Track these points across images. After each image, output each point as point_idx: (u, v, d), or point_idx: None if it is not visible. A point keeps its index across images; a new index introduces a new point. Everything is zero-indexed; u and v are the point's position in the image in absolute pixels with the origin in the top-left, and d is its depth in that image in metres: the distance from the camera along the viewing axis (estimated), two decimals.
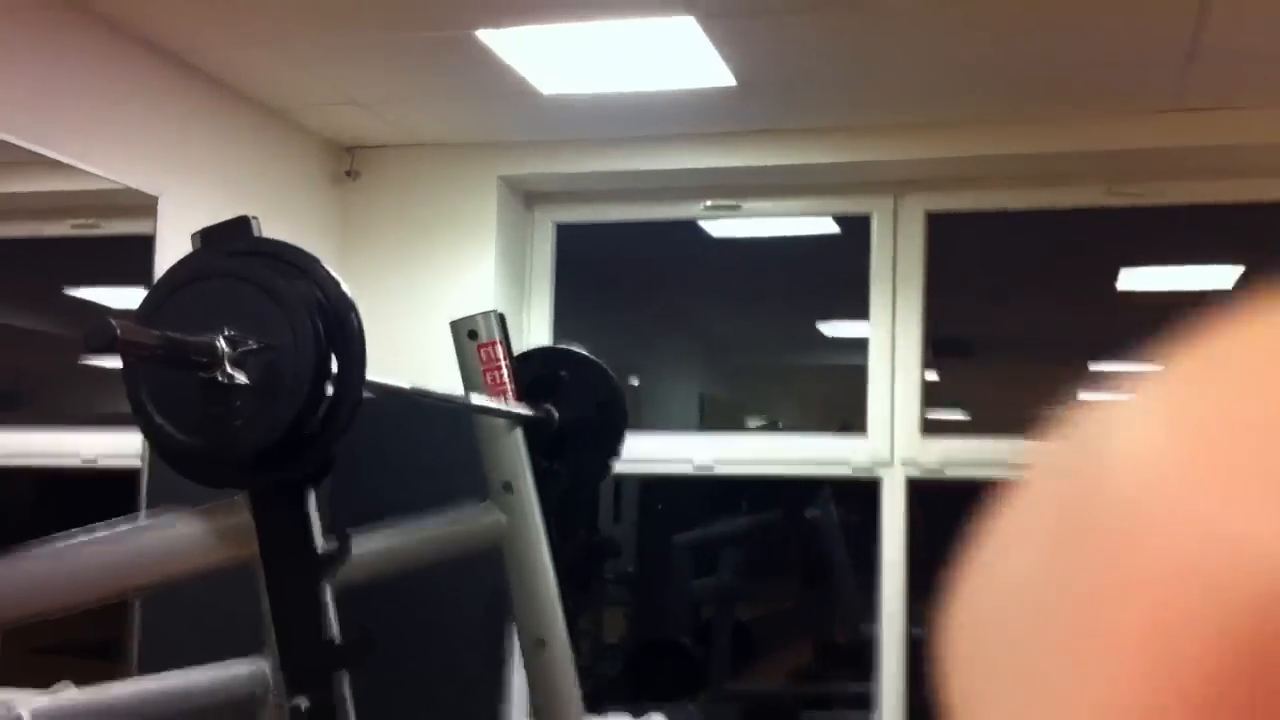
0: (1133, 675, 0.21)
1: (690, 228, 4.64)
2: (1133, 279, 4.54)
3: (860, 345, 4.34)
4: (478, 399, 2.54)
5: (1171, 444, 0.23)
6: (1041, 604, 0.24)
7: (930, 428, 4.23)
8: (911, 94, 3.84)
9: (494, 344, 2.61)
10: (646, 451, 4.31)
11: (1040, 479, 0.25)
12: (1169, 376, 0.24)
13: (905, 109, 3.97)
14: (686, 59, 3.60)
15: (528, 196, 4.64)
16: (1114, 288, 4.50)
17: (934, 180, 4.27)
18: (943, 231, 4.31)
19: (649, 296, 5.18)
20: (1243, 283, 4.32)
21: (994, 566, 0.25)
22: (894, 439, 4.24)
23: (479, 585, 3.19)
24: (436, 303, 4.19)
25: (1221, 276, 4.33)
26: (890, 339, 4.29)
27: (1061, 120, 3.96)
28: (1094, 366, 4.96)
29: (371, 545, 2.08)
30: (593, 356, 2.87)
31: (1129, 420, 0.24)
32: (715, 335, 5.32)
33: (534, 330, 4.59)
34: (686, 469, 4.42)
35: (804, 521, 5.36)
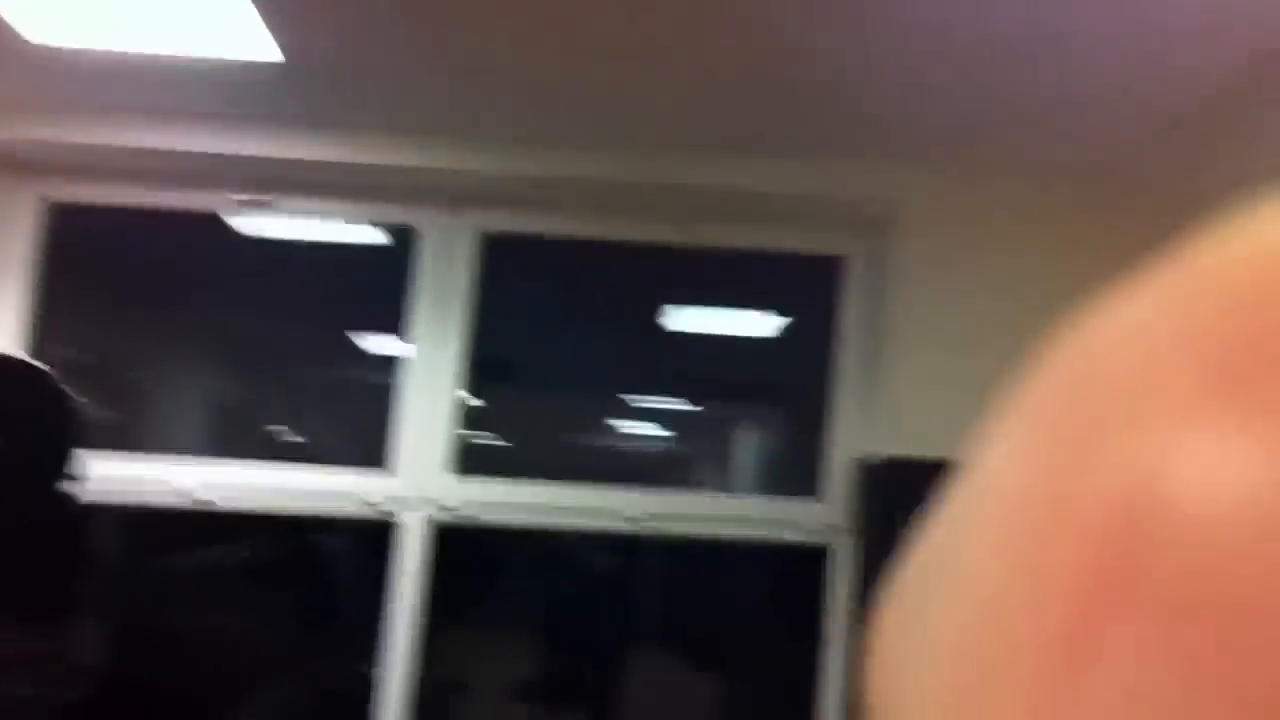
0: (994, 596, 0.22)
1: (216, 221, 4.11)
2: (678, 318, 4.51)
3: (396, 363, 4.00)
4: None
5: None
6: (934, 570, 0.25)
7: (465, 464, 3.94)
8: (478, 105, 3.53)
9: None
10: (136, 477, 3.79)
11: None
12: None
13: (468, 119, 3.65)
14: (225, 23, 3.08)
15: (12, 166, 3.89)
16: (659, 324, 4.45)
17: (491, 197, 3.98)
18: (496, 250, 4.05)
19: (162, 293, 4.59)
20: (787, 333, 4.36)
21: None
22: (420, 478, 3.92)
23: None
24: None
25: (764, 324, 4.36)
26: (429, 361, 3.97)
27: (627, 149, 3.80)
28: (633, 399, 4.92)
29: None
30: (39, 365, 2.36)
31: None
32: (237, 341, 4.80)
33: (1, 327, 3.87)
34: (181, 501, 3.87)
35: (311, 555, 4.93)
